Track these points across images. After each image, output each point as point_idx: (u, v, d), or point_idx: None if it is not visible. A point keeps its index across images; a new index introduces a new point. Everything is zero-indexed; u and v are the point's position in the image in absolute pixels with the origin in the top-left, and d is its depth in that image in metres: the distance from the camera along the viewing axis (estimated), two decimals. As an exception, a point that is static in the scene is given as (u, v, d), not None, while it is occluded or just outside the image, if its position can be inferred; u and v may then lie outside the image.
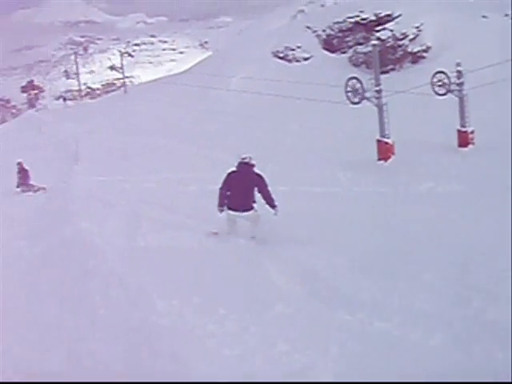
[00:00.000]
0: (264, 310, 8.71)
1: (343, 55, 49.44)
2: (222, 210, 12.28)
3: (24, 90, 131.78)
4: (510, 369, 6.40)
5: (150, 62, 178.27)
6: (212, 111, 38.20)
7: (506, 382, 6.32)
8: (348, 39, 50.15)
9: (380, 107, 24.47)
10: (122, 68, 69.20)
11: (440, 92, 25.98)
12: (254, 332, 8.01)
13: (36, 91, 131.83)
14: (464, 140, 24.49)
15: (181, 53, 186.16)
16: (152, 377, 7.27)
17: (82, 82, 71.52)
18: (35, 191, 20.81)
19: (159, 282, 9.66)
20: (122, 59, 70.11)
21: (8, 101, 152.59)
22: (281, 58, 51.41)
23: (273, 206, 12.10)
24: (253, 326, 8.15)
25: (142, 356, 7.69)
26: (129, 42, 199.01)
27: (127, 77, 71.04)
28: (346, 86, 24.97)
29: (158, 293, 9.17)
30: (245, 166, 12.08)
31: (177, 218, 14.35)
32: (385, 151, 23.87)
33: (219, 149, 24.92)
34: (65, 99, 48.06)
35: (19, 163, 22.04)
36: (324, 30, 51.73)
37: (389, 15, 47.79)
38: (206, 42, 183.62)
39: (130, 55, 75.15)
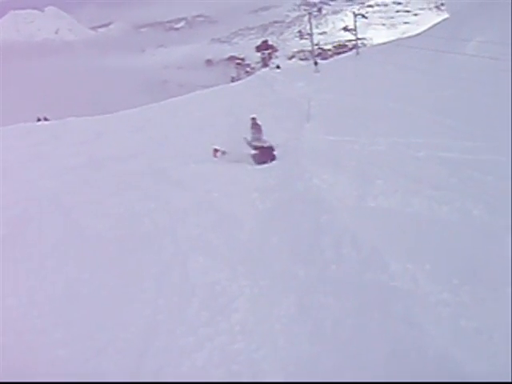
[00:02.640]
0: (500, 286, 8.24)
1: None
2: None
3: (258, 49, 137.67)
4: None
5: (383, 24, 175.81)
6: (445, 76, 36.52)
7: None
8: None
9: None
10: (354, 29, 68.94)
11: None
12: (491, 308, 7.63)
13: (270, 51, 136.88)
14: None
15: (415, 15, 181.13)
16: (383, 335, 7.26)
17: (315, 42, 72.36)
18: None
19: (392, 243, 9.57)
20: (355, 20, 69.87)
21: (243, 59, 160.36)
22: (526, 20, 47.47)
23: None
24: (490, 301, 7.77)
25: (373, 314, 7.70)
26: (362, 3, 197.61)
27: (360, 38, 70.45)
28: None
29: (391, 254, 9.10)
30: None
31: (406, 182, 14.00)
32: None
33: (448, 114, 23.75)
34: (316, 63, 47.76)
35: (253, 118, 22.74)
36: None
37: None
38: (441, 4, 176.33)
39: (363, 17, 74.77)
